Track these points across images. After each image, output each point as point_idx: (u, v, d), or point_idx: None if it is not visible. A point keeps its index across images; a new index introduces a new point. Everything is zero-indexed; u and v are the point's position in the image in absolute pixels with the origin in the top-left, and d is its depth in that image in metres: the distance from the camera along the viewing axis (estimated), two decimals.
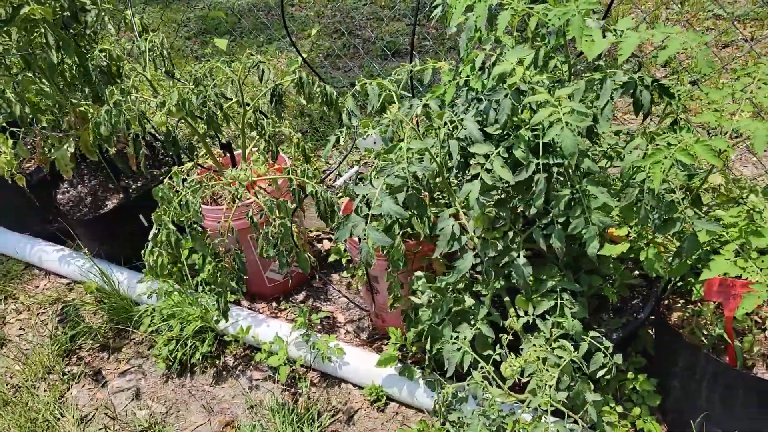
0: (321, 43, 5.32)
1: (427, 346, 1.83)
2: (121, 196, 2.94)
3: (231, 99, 2.02)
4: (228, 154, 2.64)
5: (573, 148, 1.28)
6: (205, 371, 2.52)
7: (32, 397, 2.48)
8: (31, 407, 2.41)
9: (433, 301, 1.84)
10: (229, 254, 1.97)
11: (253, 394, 2.40)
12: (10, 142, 2.67)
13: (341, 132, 2.13)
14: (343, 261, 2.88)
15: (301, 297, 2.84)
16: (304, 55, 2.42)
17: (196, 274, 2.71)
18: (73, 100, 2.55)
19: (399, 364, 2.24)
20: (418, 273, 1.93)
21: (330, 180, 3.31)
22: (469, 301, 1.75)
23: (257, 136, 2.32)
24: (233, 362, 2.54)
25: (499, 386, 1.63)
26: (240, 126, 2.11)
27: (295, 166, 2.41)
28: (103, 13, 2.38)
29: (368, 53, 5.05)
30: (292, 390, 2.39)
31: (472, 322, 1.75)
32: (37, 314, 2.94)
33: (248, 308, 2.74)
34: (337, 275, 2.92)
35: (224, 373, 2.51)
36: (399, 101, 2.08)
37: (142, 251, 2.12)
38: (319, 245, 3.11)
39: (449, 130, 1.65)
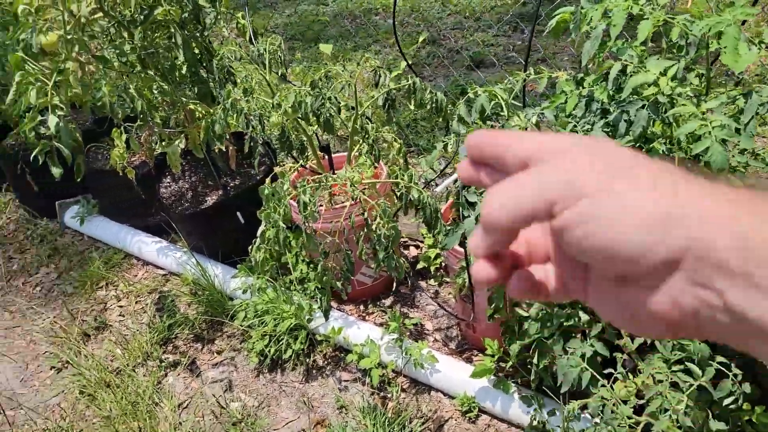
0: (406, 51, 5.36)
1: (535, 360, 1.79)
2: (220, 192, 3.04)
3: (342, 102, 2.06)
4: (327, 157, 2.69)
5: (723, 163, 1.23)
6: (296, 368, 2.56)
7: (132, 381, 2.58)
8: (131, 390, 2.51)
9: (541, 314, 1.80)
10: (338, 254, 2.00)
11: (343, 395, 2.42)
12: (124, 136, 2.81)
13: (449, 139, 2.13)
14: (432, 269, 2.88)
15: (388, 302, 2.85)
16: (392, 64, 2.45)
17: (288, 273, 2.77)
18: (182, 98, 2.66)
19: (493, 377, 2.21)
20: None
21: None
22: (584, 316, 1.71)
23: (360, 140, 2.35)
24: (323, 362, 2.57)
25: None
26: (350, 129, 2.14)
27: (395, 171, 2.42)
28: (219, 16, 2.47)
29: (453, 63, 5.05)
30: (382, 394, 2.40)
31: (586, 339, 1.71)
32: (136, 302, 3.07)
33: (336, 309, 2.77)
34: (424, 283, 2.92)
35: (314, 371, 2.54)
36: (509, 110, 2.07)
37: (249, 247, 2.18)
38: (405, 251, 3.12)
39: None
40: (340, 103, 2.00)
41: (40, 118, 2.02)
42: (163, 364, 2.67)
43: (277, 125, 2.01)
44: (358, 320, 2.62)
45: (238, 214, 2.96)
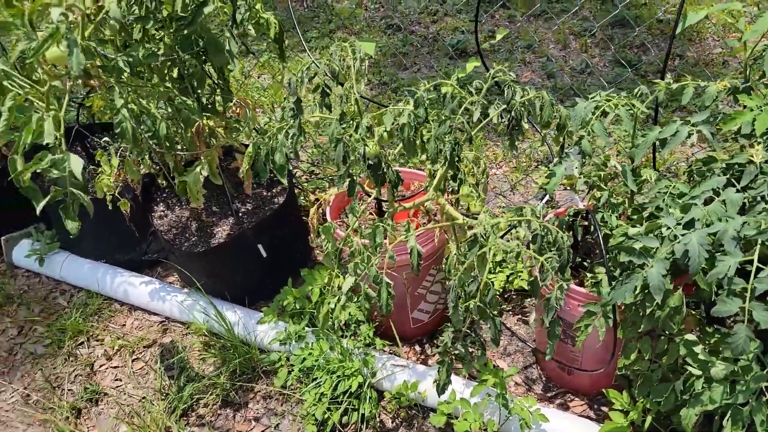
0: (378, 39, 4.91)
1: (728, 430, 1.50)
2: (232, 221, 2.52)
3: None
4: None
5: None
6: None
7: None
8: None
9: (727, 374, 1.51)
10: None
11: None
12: (115, 160, 2.24)
13: (569, 160, 1.79)
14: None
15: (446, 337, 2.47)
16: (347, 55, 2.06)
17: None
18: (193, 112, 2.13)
19: None
20: (690, 336, 1.60)
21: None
22: None
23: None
24: (392, 424, 2.17)
25: None
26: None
27: (471, 195, 2.05)
28: (250, 12, 1.96)
29: (430, 53, 4.67)
30: None
31: None
32: (132, 360, 2.50)
33: (389, 353, 2.37)
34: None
35: None
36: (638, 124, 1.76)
37: (330, 306, 1.73)
38: None
39: None
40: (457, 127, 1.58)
41: (50, 157, 1.46)
42: None
43: (372, 155, 1.58)
44: (428, 368, 2.23)
45: (260, 247, 2.46)
